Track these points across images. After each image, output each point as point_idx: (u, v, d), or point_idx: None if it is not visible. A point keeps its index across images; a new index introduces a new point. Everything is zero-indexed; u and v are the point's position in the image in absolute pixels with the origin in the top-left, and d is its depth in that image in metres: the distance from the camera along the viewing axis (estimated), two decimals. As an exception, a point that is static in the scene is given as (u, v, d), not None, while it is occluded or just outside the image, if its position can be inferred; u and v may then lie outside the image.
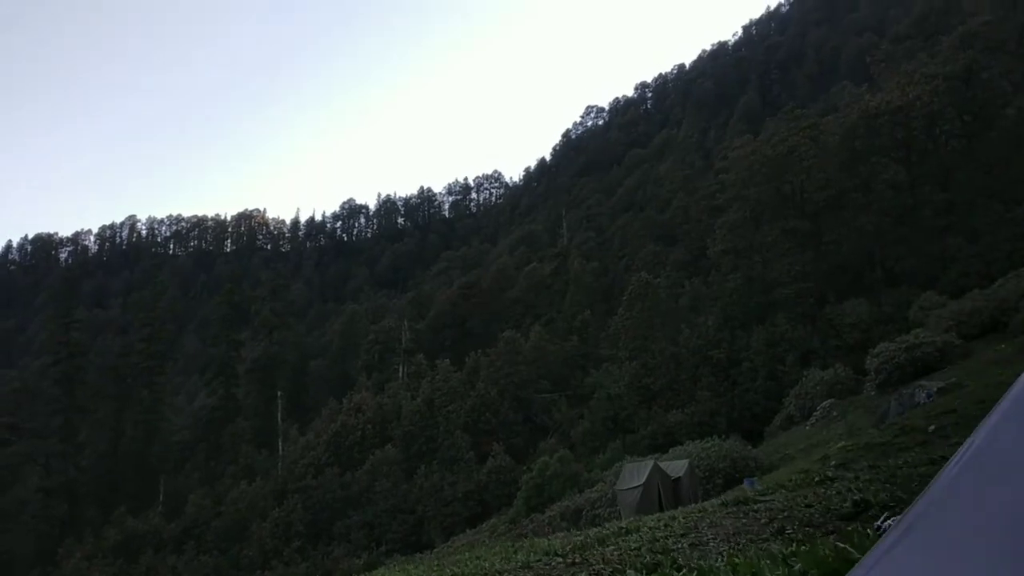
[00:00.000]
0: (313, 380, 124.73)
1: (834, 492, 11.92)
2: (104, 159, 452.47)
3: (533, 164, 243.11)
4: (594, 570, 8.76)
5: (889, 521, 5.16)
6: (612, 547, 10.39)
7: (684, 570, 6.24)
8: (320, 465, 74.93)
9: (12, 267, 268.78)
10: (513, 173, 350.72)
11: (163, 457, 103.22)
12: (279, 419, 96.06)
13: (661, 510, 26.47)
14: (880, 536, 5.38)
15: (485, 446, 69.94)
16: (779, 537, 9.13)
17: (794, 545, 6.54)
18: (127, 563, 72.50)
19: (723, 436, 49.01)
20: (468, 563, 13.50)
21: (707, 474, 38.23)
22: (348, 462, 74.31)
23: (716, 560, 6.46)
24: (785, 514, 10.90)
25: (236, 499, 76.87)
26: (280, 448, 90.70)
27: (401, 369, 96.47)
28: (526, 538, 35.21)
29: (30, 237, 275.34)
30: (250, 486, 78.24)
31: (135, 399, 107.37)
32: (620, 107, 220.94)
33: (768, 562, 5.61)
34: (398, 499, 67.67)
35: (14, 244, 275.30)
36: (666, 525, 12.15)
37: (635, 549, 9.70)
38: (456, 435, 72.01)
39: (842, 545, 4.64)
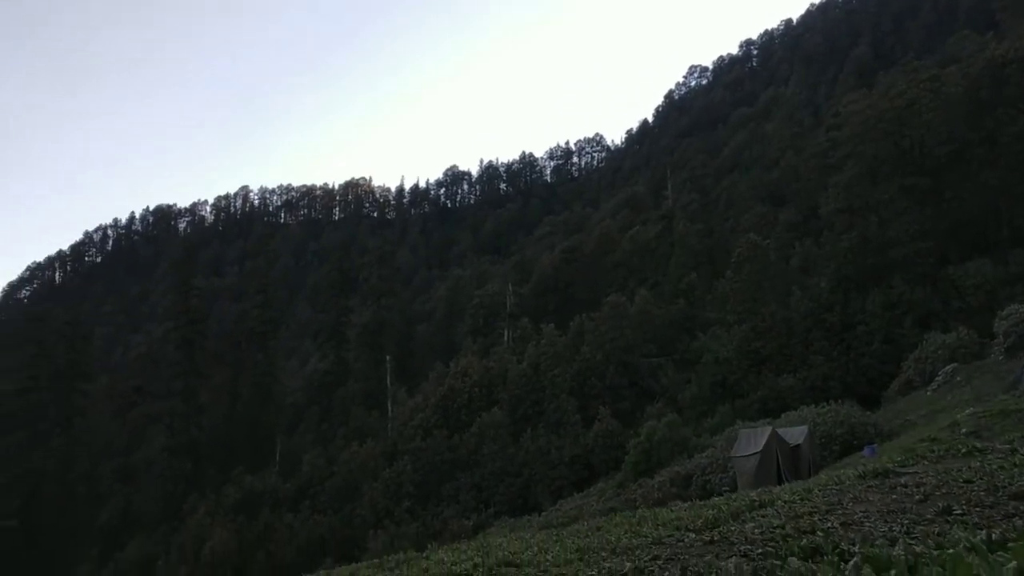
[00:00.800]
0: (419, 344, 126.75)
1: (995, 466, 11.00)
2: (218, 130, 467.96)
3: (635, 126, 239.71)
4: (740, 551, 8.23)
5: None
6: (751, 524, 9.82)
7: (856, 558, 5.67)
8: (428, 427, 76.01)
9: (135, 237, 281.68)
10: (615, 136, 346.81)
11: (278, 419, 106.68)
12: (388, 382, 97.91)
13: (780, 479, 25.68)
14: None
15: (591, 410, 69.70)
16: (946, 519, 8.41)
17: (983, 532, 5.88)
18: (247, 520, 75.48)
19: (838, 401, 47.57)
20: (589, 535, 13.14)
21: (823, 440, 37.11)
22: (456, 425, 75.20)
23: (894, 548, 5.85)
24: (942, 491, 10.08)
25: (348, 460, 78.88)
26: (389, 410, 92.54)
27: (506, 333, 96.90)
28: (637, 506, 34.88)
29: (151, 208, 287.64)
30: (361, 447, 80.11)
31: (251, 363, 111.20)
32: (725, 66, 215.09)
33: (970, 553, 4.98)
34: (505, 462, 68.17)
35: (137, 215, 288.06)
36: (802, 499, 11.47)
37: (778, 527, 9.08)
38: (562, 399, 71.96)
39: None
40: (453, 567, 11.91)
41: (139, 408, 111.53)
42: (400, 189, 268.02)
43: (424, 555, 15.98)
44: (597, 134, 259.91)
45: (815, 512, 9.78)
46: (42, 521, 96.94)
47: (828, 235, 75.02)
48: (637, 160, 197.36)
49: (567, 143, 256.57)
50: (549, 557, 10.92)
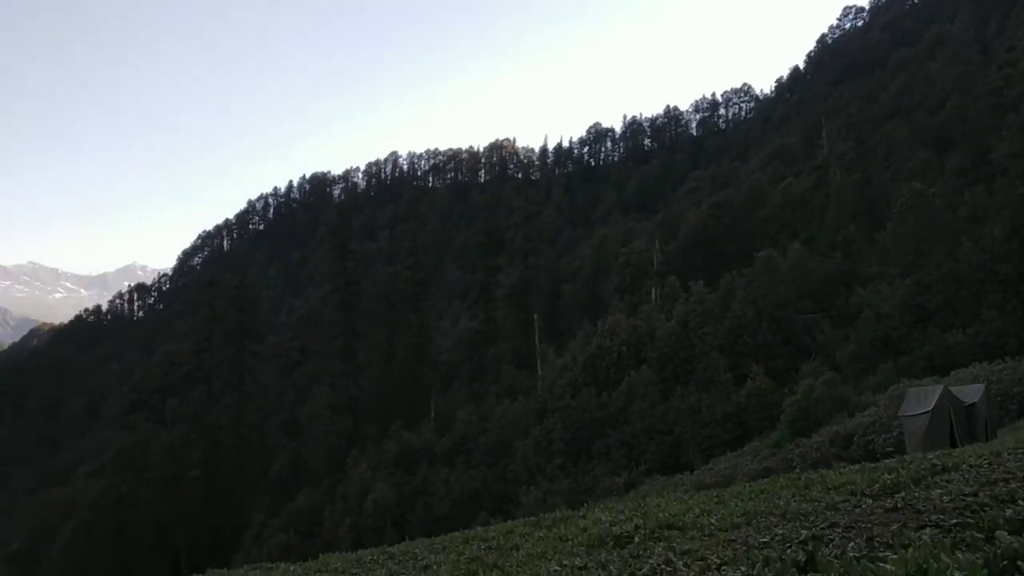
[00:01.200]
0: (566, 303, 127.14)
1: None
2: (367, 98, 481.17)
3: (785, 74, 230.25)
4: (931, 521, 7.68)
5: None
6: (937, 490, 9.17)
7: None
8: (577, 385, 76.23)
9: (294, 204, 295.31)
10: (763, 85, 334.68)
11: (432, 377, 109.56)
12: (536, 341, 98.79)
13: (953, 441, 24.30)
14: None
15: (743, 368, 68.05)
16: None
17: None
18: (405, 474, 78.30)
19: (1014, 358, 44.62)
20: (753, 497, 12.74)
21: (1000, 399, 34.91)
22: (604, 383, 75.12)
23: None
24: None
25: (500, 417, 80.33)
26: (538, 368, 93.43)
27: (653, 291, 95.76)
28: (794, 466, 33.83)
29: (307, 176, 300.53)
30: (512, 405, 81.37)
31: (404, 323, 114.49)
32: (882, 5, 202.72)
33: None
34: (655, 420, 67.63)
35: (295, 184, 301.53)
36: (991, 463, 10.67)
37: (969, 494, 8.44)
38: (712, 357, 70.55)
39: None
40: (612, 527, 11.75)
41: (303, 367, 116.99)
42: (544, 149, 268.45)
43: (581, 514, 15.95)
44: (745, 84, 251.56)
45: (1011, 478, 9.01)
46: (220, 472, 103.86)
47: (1001, 180, 70.18)
48: (788, 109, 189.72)
49: (713, 95, 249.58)
50: (713, 520, 10.64)
